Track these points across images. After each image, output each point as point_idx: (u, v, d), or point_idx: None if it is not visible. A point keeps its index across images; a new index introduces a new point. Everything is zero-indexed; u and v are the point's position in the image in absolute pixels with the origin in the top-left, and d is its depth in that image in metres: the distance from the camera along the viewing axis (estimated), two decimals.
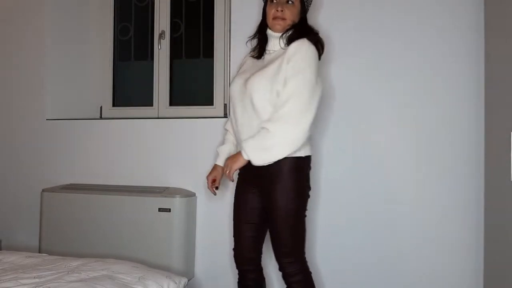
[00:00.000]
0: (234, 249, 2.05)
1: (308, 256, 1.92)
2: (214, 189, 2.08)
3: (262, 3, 2.02)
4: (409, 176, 2.34)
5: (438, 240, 2.30)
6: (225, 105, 2.80)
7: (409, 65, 2.34)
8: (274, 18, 1.91)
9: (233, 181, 1.91)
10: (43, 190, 2.76)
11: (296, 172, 1.84)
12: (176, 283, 1.87)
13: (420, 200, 2.32)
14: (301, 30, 1.91)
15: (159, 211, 2.50)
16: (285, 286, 1.93)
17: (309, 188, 1.94)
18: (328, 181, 2.43)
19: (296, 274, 1.87)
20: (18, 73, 2.99)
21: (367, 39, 2.38)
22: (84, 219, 2.63)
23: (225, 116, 2.72)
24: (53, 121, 2.92)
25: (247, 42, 2.10)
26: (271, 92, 1.83)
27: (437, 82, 2.31)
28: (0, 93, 3.04)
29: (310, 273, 1.92)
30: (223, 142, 2.14)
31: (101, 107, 3.14)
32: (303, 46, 1.83)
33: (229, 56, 2.63)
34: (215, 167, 2.12)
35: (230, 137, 2.10)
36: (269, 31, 1.96)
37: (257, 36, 2.03)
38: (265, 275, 2.10)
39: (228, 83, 2.69)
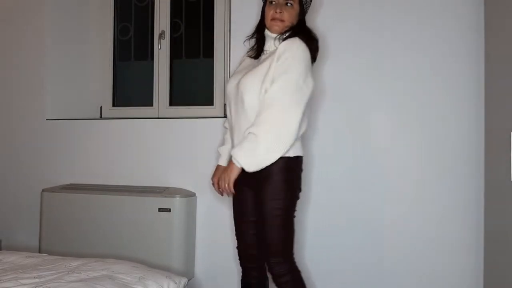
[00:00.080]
0: (237, 247, 2.05)
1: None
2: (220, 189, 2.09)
3: (262, 3, 2.03)
4: (409, 176, 2.34)
5: (438, 240, 2.30)
6: (225, 105, 2.80)
7: (409, 65, 2.34)
8: (273, 19, 1.91)
9: (234, 193, 1.88)
10: (43, 190, 2.76)
11: (285, 173, 1.82)
12: (176, 283, 1.87)
13: (420, 200, 2.32)
14: (298, 31, 1.90)
15: (159, 211, 2.50)
16: None
17: (299, 189, 1.93)
18: (329, 181, 2.43)
19: (284, 274, 1.85)
20: (18, 73, 2.99)
21: (367, 39, 2.38)
22: (84, 219, 2.63)
23: (225, 116, 2.70)
24: (53, 121, 2.92)
25: (244, 41, 2.10)
26: (260, 91, 1.83)
27: (437, 82, 2.31)
28: (0, 93, 3.04)
29: (299, 272, 1.90)
30: (223, 142, 2.14)
31: (101, 107, 3.14)
32: (293, 45, 1.83)
33: (229, 56, 2.63)
34: (218, 167, 2.13)
35: (230, 136, 2.10)
36: (267, 32, 1.96)
37: (255, 36, 2.03)
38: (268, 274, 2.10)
39: None
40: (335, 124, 2.43)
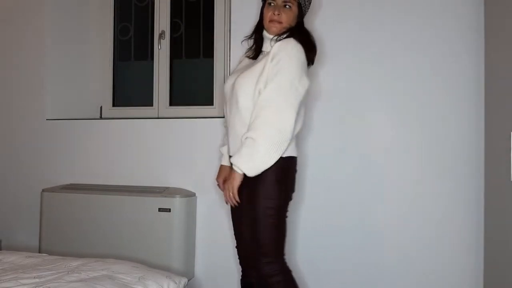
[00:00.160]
0: (236, 247, 2.06)
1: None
2: None
3: (262, 3, 2.02)
4: (409, 176, 2.34)
5: (438, 240, 2.30)
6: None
7: (409, 65, 2.34)
8: (271, 21, 1.91)
9: (239, 202, 1.86)
10: (43, 190, 2.76)
11: (278, 173, 1.82)
12: (176, 283, 1.86)
13: (420, 200, 2.32)
14: (294, 33, 1.89)
15: (159, 211, 2.49)
16: None
17: (292, 190, 1.93)
18: (329, 181, 2.43)
19: (275, 274, 1.84)
20: (18, 73, 2.99)
21: (367, 39, 2.38)
22: (84, 219, 2.63)
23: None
24: (53, 121, 2.92)
25: (242, 41, 2.11)
26: (254, 92, 1.83)
27: (437, 82, 2.31)
28: (0, 93, 3.04)
29: (290, 271, 1.89)
30: (224, 142, 2.14)
31: (101, 107, 3.14)
32: (287, 45, 1.83)
33: (229, 56, 2.63)
34: (222, 167, 2.13)
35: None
36: (265, 33, 1.97)
37: (253, 37, 2.04)
38: None
39: None
40: (335, 124, 2.43)
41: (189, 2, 3.03)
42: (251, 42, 2.07)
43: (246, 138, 1.77)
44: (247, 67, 1.96)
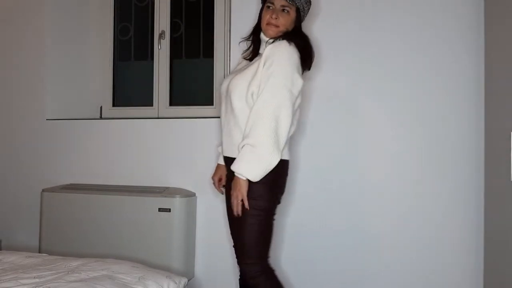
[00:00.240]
0: (234, 246, 2.05)
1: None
2: (222, 188, 2.12)
3: (261, 5, 2.02)
4: (409, 176, 2.34)
5: (438, 240, 2.30)
6: None
7: (409, 65, 2.34)
8: (268, 24, 1.91)
9: (248, 208, 1.83)
10: (43, 190, 2.76)
11: (269, 175, 1.80)
12: (176, 283, 1.86)
13: (420, 200, 2.32)
14: (290, 36, 1.88)
15: (159, 211, 2.49)
16: None
17: (281, 193, 1.93)
18: (329, 181, 2.43)
19: (258, 276, 1.84)
20: (18, 73, 2.99)
21: (366, 39, 2.38)
22: (84, 219, 2.63)
23: None
24: (53, 121, 2.92)
25: (240, 42, 2.12)
26: (247, 94, 1.83)
27: (437, 82, 2.31)
28: (0, 93, 3.04)
29: (273, 271, 1.89)
30: (221, 142, 2.15)
31: (101, 107, 3.14)
32: (279, 47, 1.82)
33: (229, 56, 2.63)
34: (218, 166, 2.14)
35: None
36: (262, 35, 1.97)
37: (250, 38, 2.04)
38: None
39: None
40: (335, 124, 2.43)
41: (189, 2, 3.03)
42: (249, 43, 2.07)
43: (245, 145, 1.77)
44: (243, 69, 1.96)
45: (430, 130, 2.31)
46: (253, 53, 2.02)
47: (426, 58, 2.31)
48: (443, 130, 2.30)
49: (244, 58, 2.07)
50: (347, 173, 2.42)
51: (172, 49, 3.01)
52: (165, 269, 2.28)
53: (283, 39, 1.86)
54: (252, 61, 1.97)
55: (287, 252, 2.47)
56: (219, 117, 2.66)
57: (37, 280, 1.70)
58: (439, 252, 2.30)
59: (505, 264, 1.98)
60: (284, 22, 1.90)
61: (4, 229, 2.98)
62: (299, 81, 1.83)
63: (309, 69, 1.95)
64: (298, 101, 1.89)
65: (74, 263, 1.94)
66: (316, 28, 2.42)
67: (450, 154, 2.29)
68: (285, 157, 1.89)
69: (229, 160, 1.90)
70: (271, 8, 1.92)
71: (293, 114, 1.84)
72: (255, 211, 1.82)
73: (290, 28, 1.93)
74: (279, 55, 1.80)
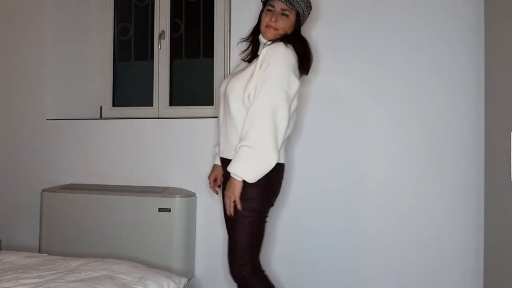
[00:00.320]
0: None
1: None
2: (216, 188, 2.14)
3: (262, 6, 2.02)
4: (409, 176, 2.34)
5: (438, 240, 2.30)
6: None
7: (409, 65, 2.34)
8: (267, 26, 1.91)
9: (240, 210, 1.83)
10: (43, 190, 2.76)
11: (263, 178, 1.80)
12: (176, 283, 1.87)
13: (420, 201, 2.32)
14: (287, 39, 1.88)
15: (159, 211, 2.50)
16: None
17: (275, 196, 1.93)
18: (329, 181, 2.43)
19: (248, 277, 1.84)
20: (18, 73, 2.99)
21: (366, 39, 2.38)
22: (84, 219, 2.63)
23: None
24: (53, 121, 2.92)
25: (238, 43, 2.12)
26: (244, 96, 1.84)
27: (437, 82, 2.31)
28: (0, 93, 3.04)
29: (263, 272, 1.89)
30: (219, 142, 2.15)
31: (101, 107, 3.14)
32: (275, 49, 1.83)
33: (229, 56, 2.63)
34: (214, 166, 2.16)
35: None
36: (260, 37, 1.97)
37: (249, 39, 2.04)
38: None
39: None
40: (335, 123, 2.43)
41: (189, 2, 3.03)
42: (248, 44, 2.07)
43: (242, 146, 1.77)
44: (241, 71, 1.97)
45: (430, 130, 2.31)
46: (252, 54, 2.02)
47: (426, 58, 2.31)
48: (443, 130, 2.30)
49: (243, 60, 2.07)
50: (347, 173, 2.42)
51: (172, 49, 3.01)
52: (165, 269, 2.28)
53: (280, 41, 1.86)
54: (251, 63, 1.97)
55: (287, 252, 2.47)
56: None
57: (37, 280, 1.70)
58: (439, 252, 2.30)
59: (505, 264, 1.98)
60: (284, 25, 1.91)
61: (4, 229, 2.98)
62: (295, 83, 1.83)
63: (307, 73, 1.95)
64: (295, 103, 1.89)
65: (74, 263, 1.94)
66: (316, 28, 2.42)
67: (450, 154, 2.29)
68: (281, 161, 1.90)
69: (225, 162, 1.91)
70: (271, 10, 1.92)
71: (290, 116, 1.84)
72: (248, 213, 1.82)
73: (289, 32, 1.93)
74: (276, 57, 1.81)
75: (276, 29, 1.90)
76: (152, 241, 2.50)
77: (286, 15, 1.91)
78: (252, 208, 1.83)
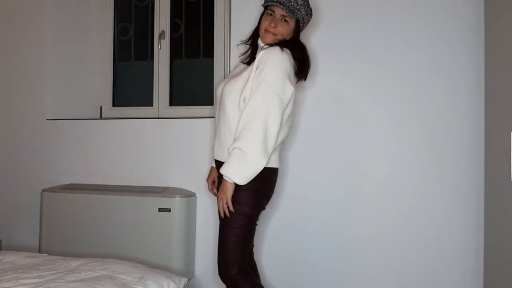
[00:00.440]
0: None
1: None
2: (215, 190, 2.14)
3: (262, 7, 2.01)
4: (409, 177, 2.34)
5: (438, 240, 2.30)
6: None
7: (409, 65, 2.34)
8: (266, 30, 1.91)
9: (233, 211, 1.85)
10: (43, 190, 2.76)
11: (255, 182, 1.80)
12: (176, 283, 1.87)
13: (420, 201, 2.32)
14: (284, 44, 1.88)
15: (159, 211, 2.50)
16: None
17: (267, 200, 1.93)
18: (328, 180, 2.43)
19: (237, 279, 1.85)
20: (18, 73, 2.99)
21: (366, 39, 2.38)
22: (84, 219, 2.63)
23: None
24: (53, 121, 2.92)
25: (238, 45, 2.12)
26: (239, 99, 1.84)
27: (437, 82, 2.31)
28: (0, 93, 3.04)
29: (250, 273, 1.89)
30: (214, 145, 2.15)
31: (101, 107, 3.14)
32: (271, 53, 1.82)
33: (229, 56, 2.63)
34: (212, 169, 2.17)
35: None
36: (259, 41, 1.97)
37: (249, 42, 2.04)
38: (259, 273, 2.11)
39: None
40: (335, 123, 2.43)
41: (189, 2, 3.03)
42: (247, 46, 2.07)
43: (234, 148, 1.78)
44: (238, 73, 1.97)
45: (430, 130, 2.31)
46: (251, 57, 2.01)
47: (426, 58, 2.32)
48: (443, 130, 2.30)
49: (242, 62, 2.06)
50: (347, 173, 2.42)
51: (172, 49, 3.01)
52: (165, 269, 2.28)
53: (277, 45, 1.86)
54: (249, 66, 1.96)
55: (287, 252, 2.47)
56: None
57: (37, 280, 1.70)
58: (439, 252, 2.30)
59: (505, 264, 1.98)
60: (283, 31, 1.91)
61: (4, 229, 2.98)
62: (290, 89, 1.83)
63: (305, 79, 1.95)
64: (289, 109, 1.88)
65: (74, 263, 1.94)
66: (316, 28, 2.42)
67: (450, 154, 2.29)
68: (274, 165, 1.90)
69: (219, 164, 1.91)
70: (271, 15, 1.92)
71: (283, 121, 1.84)
72: (239, 216, 1.83)
73: (288, 37, 1.93)
74: (271, 61, 1.80)
75: (274, 34, 1.90)
76: (152, 241, 2.50)
77: (286, 21, 1.91)
78: (243, 212, 1.83)
